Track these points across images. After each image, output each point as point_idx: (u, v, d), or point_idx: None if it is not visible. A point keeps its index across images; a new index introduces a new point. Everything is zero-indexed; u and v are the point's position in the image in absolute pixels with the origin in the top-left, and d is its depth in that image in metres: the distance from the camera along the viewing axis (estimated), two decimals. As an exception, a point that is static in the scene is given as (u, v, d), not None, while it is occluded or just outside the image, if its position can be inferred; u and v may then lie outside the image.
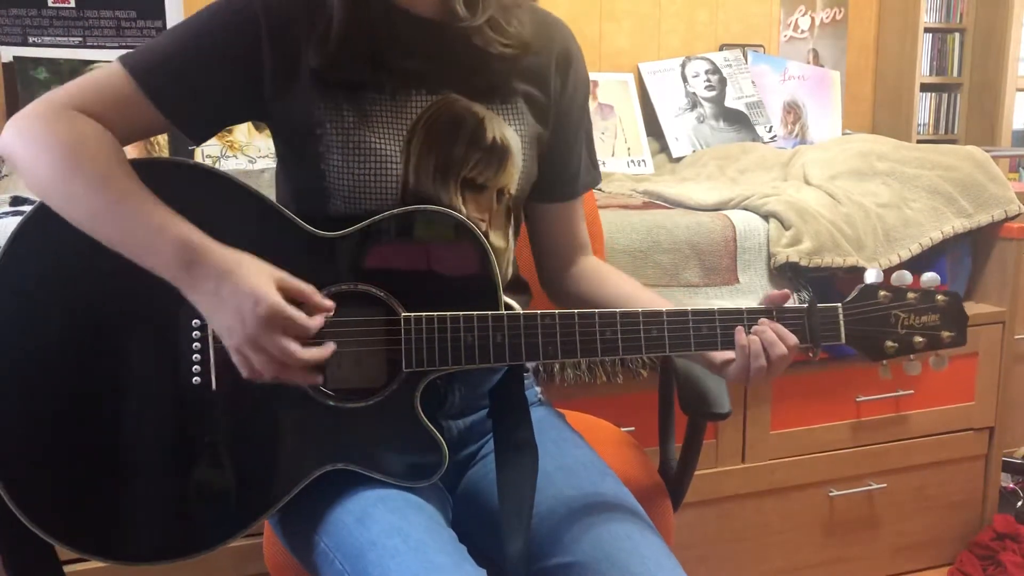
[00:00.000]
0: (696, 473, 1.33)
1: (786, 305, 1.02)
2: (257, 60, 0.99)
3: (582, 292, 1.19)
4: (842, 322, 1.01)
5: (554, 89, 1.12)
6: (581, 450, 1.13)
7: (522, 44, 1.06)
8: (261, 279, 0.90)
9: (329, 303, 0.93)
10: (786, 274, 1.92)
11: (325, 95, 1.00)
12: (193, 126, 1.03)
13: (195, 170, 1.01)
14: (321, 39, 0.98)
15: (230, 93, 1.01)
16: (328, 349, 0.93)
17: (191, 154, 2.27)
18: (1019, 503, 2.33)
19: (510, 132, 1.07)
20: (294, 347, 0.89)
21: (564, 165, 1.17)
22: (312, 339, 0.92)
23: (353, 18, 0.98)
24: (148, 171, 0.95)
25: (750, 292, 1.91)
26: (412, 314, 0.97)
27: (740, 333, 0.99)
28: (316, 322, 0.91)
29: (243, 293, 0.88)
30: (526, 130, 1.08)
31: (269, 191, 1.05)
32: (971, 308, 2.17)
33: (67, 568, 1.08)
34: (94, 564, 1.53)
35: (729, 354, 1.01)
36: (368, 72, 1.00)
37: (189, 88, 0.99)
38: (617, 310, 1.00)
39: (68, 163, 0.92)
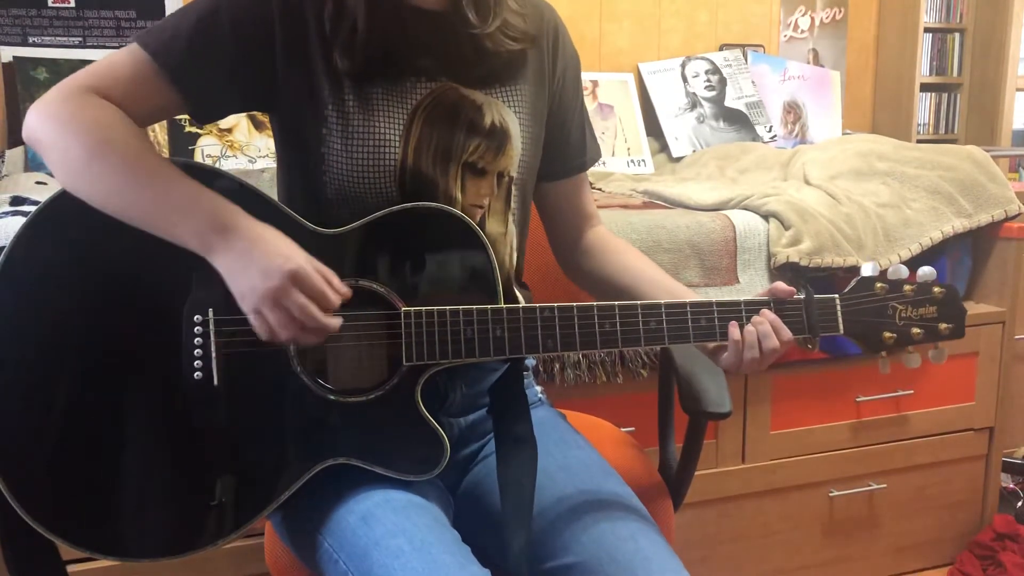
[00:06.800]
0: (696, 473, 1.33)
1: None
2: (269, 39, 1.00)
3: (590, 266, 1.21)
4: (840, 313, 1.03)
5: (548, 67, 1.14)
6: (583, 451, 1.13)
7: (529, 39, 1.09)
8: (292, 244, 0.94)
9: (346, 289, 0.94)
10: (786, 274, 1.91)
11: (331, 79, 1.01)
12: (204, 107, 1.04)
13: (194, 169, 1.01)
14: (346, 43, 1.00)
15: (243, 72, 1.01)
16: (339, 320, 0.94)
17: (191, 154, 2.27)
18: (1019, 503, 2.33)
19: (509, 115, 1.09)
20: (313, 307, 0.91)
21: (565, 141, 1.19)
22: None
23: (373, 19, 1.00)
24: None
25: (750, 292, 1.91)
26: (412, 308, 0.98)
27: (733, 328, 1.01)
28: (334, 296, 0.93)
29: (275, 252, 0.91)
30: (526, 111, 1.10)
31: (269, 191, 1.05)
32: (971, 308, 2.17)
33: (70, 568, 1.07)
34: (97, 564, 1.54)
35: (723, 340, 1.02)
36: (381, 66, 1.02)
37: (205, 66, 0.99)
38: (616, 303, 1.01)
39: (101, 143, 0.93)
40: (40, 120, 0.95)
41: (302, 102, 1.02)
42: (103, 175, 0.93)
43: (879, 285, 1.03)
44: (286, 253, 0.92)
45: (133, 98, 0.98)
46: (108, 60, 0.99)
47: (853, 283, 1.04)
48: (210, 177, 0.99)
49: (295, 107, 1.03)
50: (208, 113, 1.06)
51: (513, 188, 1.11)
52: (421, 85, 1.04)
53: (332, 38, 1.00)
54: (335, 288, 0.93)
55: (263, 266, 0.90)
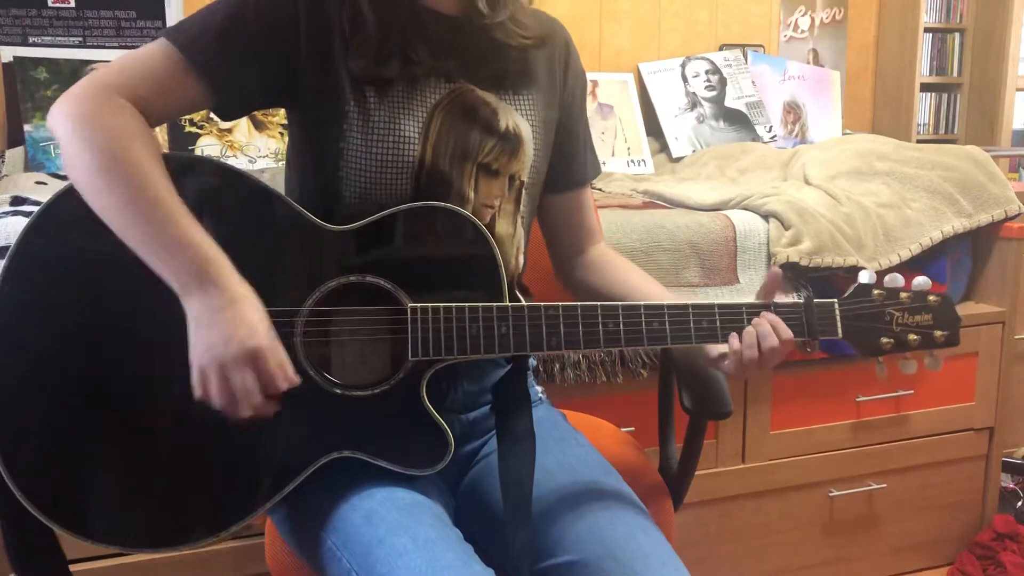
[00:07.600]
0: (696, 473, 1.33)
1: (783, 300, 1.04)
2: (295, 35, 1.02)
3: (592, 281, 1.23)
4: (839, 317, 1.04)
5: (559, 78, 1.17)
6: (583, 449, 1.13)
7: (540, 36, 1.12)
8: (263, 321, 0.93)
9: (296, 379, 0.94)
10: (786, 274, 1.92)
11: (352, 79, 1.03)
12: (230, 101, 1.05)
13: (205, 164, 1.02)
14: (359, 48, 1.02)
15: (269, 67, 1.02)
16: (274, 407, 0.94)
17: (191, 153, 2.27)
18: (1019, 503, 2.33)
19: (523, 121, 1.11)
20: (257, 390, 0.91)
21: (572, 154, 1.21)
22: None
23: (385, 22, 1.02)
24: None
25: (750, 292, 1.91)
26: (419, 305, 0.98)
27: (733, 338, 1.01)
28: (283, 385, 0.92)
29: (243, 321, 0.90)
30: (537, 119, 1.12)
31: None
32: (971, 308, 2.17)
33: (73, 568, 1.07)
34: (97, 564, 1.54)
35: (724, 348, 1.03)
36: (398, 68, 1.04)
37: (233, 61, 1.01)
38: (619, 303, 1.02)
39: (111, 160, 0.93)
40: (61, 117, 0.95)
41: (324, 97, 1.03)
42: (105, 192, 0.93)
43: (876, 292, 1.05)
44: (254, 327, 0.91)
45: (160, 92, 0.99)
46: (136, 54, 1.00)
47: (851, 289, 1.06)
48: (218, 174, 1.00)
49: (317, 102, 1.04)
50: (233, 107, 1.07)
51: (523, 192, 1.12)
52: (440, 86, 1.06)
53: (350, 41, 1.02)
54: (287, 378, 0.93)
55: (227, 331, 0.90)
